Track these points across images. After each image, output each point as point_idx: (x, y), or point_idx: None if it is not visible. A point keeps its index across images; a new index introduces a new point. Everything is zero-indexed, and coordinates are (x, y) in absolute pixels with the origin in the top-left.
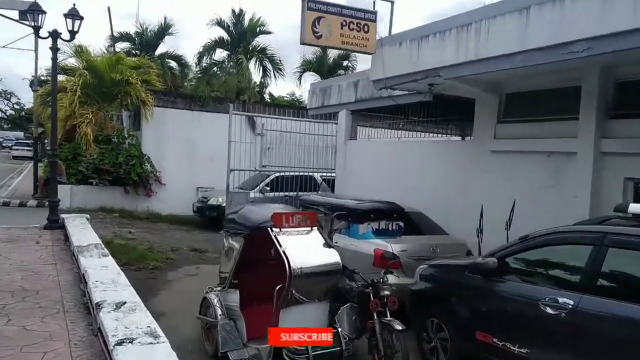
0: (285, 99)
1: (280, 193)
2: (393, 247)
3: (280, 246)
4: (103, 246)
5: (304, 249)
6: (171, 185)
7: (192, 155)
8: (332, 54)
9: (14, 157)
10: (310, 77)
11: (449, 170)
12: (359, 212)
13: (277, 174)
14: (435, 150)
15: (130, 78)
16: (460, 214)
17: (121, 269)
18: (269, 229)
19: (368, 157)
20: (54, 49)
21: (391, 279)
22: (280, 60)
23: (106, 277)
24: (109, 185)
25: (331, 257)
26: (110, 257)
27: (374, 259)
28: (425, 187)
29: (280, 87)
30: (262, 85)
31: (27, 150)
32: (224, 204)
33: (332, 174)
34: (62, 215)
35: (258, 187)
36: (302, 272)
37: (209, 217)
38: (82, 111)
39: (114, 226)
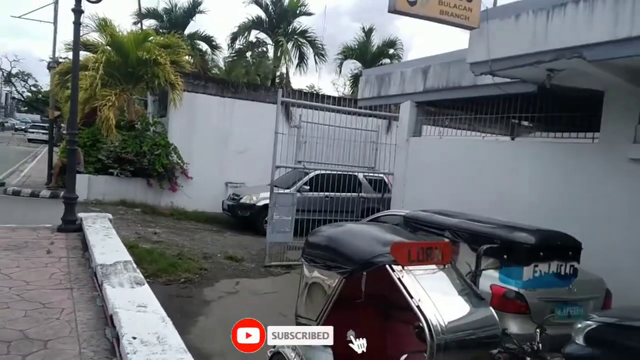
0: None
1: (320, 193)
2: (499, 275)
3: (411, 296)
4: (134, 266)
5: (445, 300)
6: (198, 179)
7: (222, 146)
8: (376, 40)
9: (30, 140)
10: (351, 65)
11: (563, 181)
12: (524, 248)
13: (317, 172)
14: (540, 154)
15: (158, 57)
16: (583, 239)
17: (148, 282)
18: (387, 266)
19: (438, 158)
20: (77, 11)
21: (512, 326)
22: (322, 45)
23: (147, 330)
24: (130, 177)
25: (485, 315)
26: (146, 286)
27: (491, 299)
28: (525, 199)
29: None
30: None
31: (43, 133)
32: (259, 203)
33: (375, 174)
34: (80, 215)
35: (296, 186)
36: (448, 341)
37: (241, 217)
38: (104, 93)
39: (136, 224)
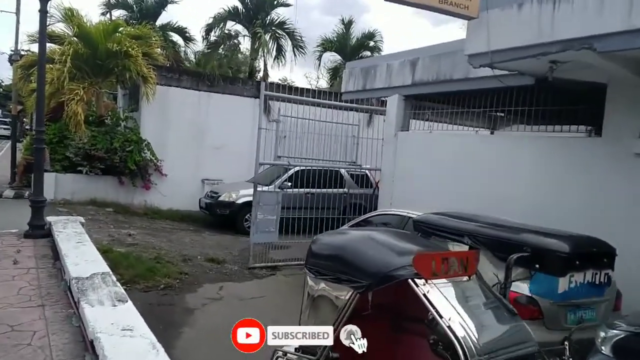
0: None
1: (302, 190)
2: (531, 287)
3: (440, 316)
4: (114, 278)
5: (475, 317)
6: (173, 176)
7: (198, 142)
8: (355, 32)
9: None
10: (330, 57)
11: (563, 177)
12: (559, 257)
13: (299, 168)
14: (541, 149)
15: (129, 49)
16: None
17: (125, 289)
18: (410, 280)
19: (429, 154)
20: None
21: None
22: (301, 37)
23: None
24: (101, 175)
25: (520, 331)
26: (129, 303)
27: None
28: (522, 197)
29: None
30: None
31: (5, 128)
32: (239, 201)
33: (358, 169)
34: (49, 219)
35: (277, 182)
36: None
37: (220, 216)
38: (72, 86)
39: (108, 226)
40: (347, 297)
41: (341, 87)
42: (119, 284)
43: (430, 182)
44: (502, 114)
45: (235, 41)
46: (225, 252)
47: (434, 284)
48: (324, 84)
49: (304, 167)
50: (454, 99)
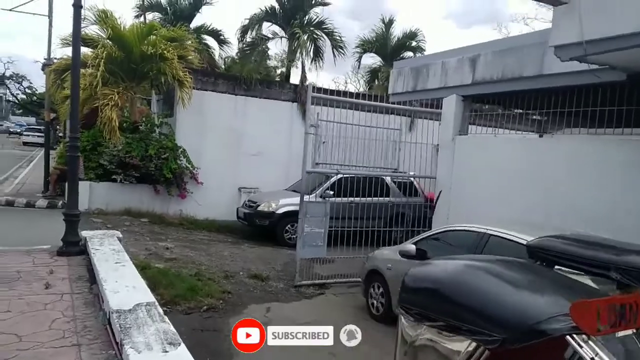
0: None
1: (345, 199)
2: None
3: None
4: (160, 311)
5: None
6: (209, 184)
7: (234, 148)
8: (397, 31)
9: (25, 143)
10: (370, 60)
11: None
12: None
13: (341, 175)
14: (632, 155)
15: (165, 52)
16: None
17: (166, 311)
18: (569, 337)
19: (494, 160)
20: None
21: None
22: (340, 37)
23: None
24: (135, 183)
25: None
26: (183, 347)
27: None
28: (612, 209)
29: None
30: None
31: (38, 136)
32: (279, 211)
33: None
34: (84, 234)
35: (318, 190)
36: None
37: (259, 227)
38: (106, 91)
39: (145, 238)
40: (470, 353)
41: (388, 88)
42: (167, 319)
43: (493, 191)
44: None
45: (264, 46)
46: (267, 266)
47: (600, 342)
48: (351, 88)
49: (347, 175)
50: (515, 101)
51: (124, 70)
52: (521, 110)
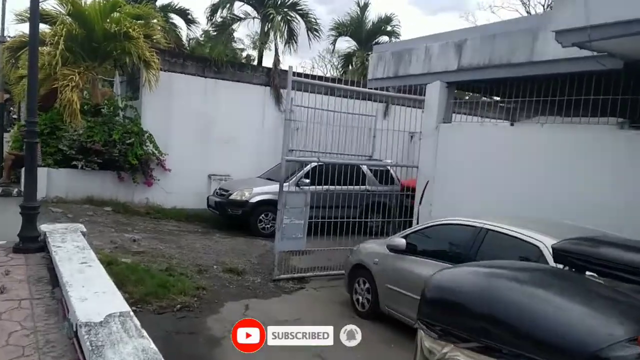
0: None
1: (320, 187)
2: None
3: None
4: (137, 323)
5: None
6: (177, 171)
7: (204, 134)
8: (371, 16)
9: None
10: (344, 44)
11: None
12: None
13: (316, 163)
14: (622, 143)
15: (130, 30)
16: None
17: (136, 311)
18: None
19: (480, 149)
20: None
21: None
22: (315, 19)
23: None
24: (98, 170)
25: None
26: None
27: None
28: (609, 200)
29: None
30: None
31: None
32: (252, 200)
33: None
34: (43, 228)
35: (293, 179)
36: None
37: (231, 216)
38: (66, 71)
39: (109, 229)
40: None
41: (368, 74)
42: (145, 333)
43: (479, 182)
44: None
45: (231, 28)
46: (242, 259)
47: None
48: (319, 72)
49: (324, 163)
50: (502, 89)
51: (85, 50)
52: (509, 99)
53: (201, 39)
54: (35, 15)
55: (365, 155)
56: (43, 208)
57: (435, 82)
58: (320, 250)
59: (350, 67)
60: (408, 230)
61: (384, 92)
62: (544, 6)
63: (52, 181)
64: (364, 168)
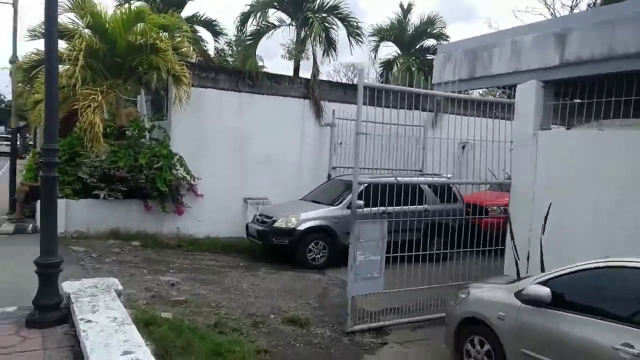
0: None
1: (375, 209)
2: None
3: None
4: None
5: None
6: (209, 196)
7: (238, 154)
8: (414, 18)
9: None
10: (382, 50)
11: None
12: None
13: (371, 181)
14: None
15: (158, 42)
16: None
17: None
18: None
19: (598, 162)
20: None
21: None
22: (357, 23)
23: None
24: (122, 199)
25: None
26: None
27: None
28: None
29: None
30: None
31: (6, 145)
32: (300, 227)
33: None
34: (66, 288)
35: (343, 201)
36: None
37: (276, 246)
38: (87, 91)
39: (141, 270)
40: None
41: (433, 78)
42: None
43: (600, 205)
44: None
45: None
46: (300, 302)
47: None
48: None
49: (375, 180)
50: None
51: (107, 66)
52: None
53: (229, 51)
54: (51, 20)
55: (415, 170)
56: (62, 246)
57: (529, 81)
58: (403, 290)
59: (391, 74)
60: (547, 274)
61: (476, 97)
62: (571, 7)
63: (71, 214)
64: (425, 186)
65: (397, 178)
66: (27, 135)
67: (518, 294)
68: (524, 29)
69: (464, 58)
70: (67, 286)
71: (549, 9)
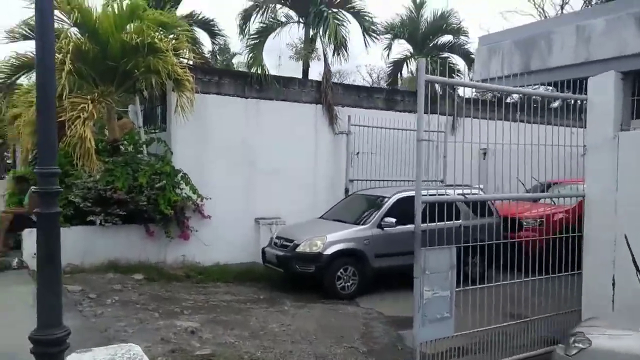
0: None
1: (406, 227)
2: None
3: None
4: None
5: None
6: (217, 217)
7: (246, 167)
8: (427, 13)
9: None
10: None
11: None
12: None
13: (400, 195)
14: None
15: (157, 41)
16: None
17: None
18: None
19: None
20: None
21: None
22: (371, 18)
23: None
24: (121, 225)
25: None
26: None
27: None
28: None
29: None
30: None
31: None
32: (327, 251)
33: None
34: None
35: (372, 220)
36: None
37: (300, 274)
38: (76, 99)
39: (150, 312)
40: None
41: (474, 73)
42: None
43: None
44: None
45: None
46: (344, 347)
47: None
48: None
49: (404, 194)
50: None
51: (99, 70)
52: None
53: (225, 55)
54: (44, 13)
55: (436, 180)
56: None
57: (606, 72)
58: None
59: (403, 73)
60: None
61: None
62: (561, 6)
63: (63, 245)
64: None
65: (465, 194)
66: (6, 153)
67: None
68: (588, 12)
69: (514, 50)
70: None
71: (536, 8)
